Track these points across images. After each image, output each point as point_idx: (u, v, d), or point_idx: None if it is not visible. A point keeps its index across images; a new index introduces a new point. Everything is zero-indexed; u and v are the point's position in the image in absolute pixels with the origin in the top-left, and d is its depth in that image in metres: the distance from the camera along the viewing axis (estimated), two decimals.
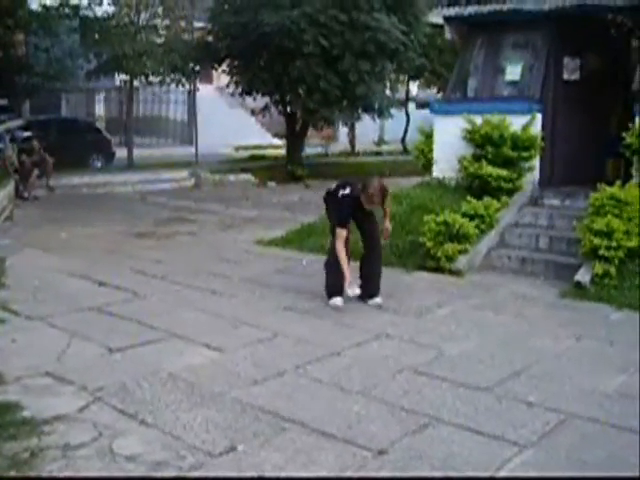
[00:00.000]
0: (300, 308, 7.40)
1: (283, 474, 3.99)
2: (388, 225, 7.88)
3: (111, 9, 22.66)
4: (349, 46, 19.01)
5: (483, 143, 10.44)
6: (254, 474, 3.98)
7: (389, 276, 8.35)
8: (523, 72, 10.81)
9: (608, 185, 8.81)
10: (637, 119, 9.55)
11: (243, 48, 20.32)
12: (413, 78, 30.25)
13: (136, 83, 23.58)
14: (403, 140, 29.90)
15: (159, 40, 22.60)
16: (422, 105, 29.53)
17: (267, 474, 3.98)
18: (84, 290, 8.03)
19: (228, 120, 32.95)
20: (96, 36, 21.87)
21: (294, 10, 18.60)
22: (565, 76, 10.77)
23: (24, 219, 13.26)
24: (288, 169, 21.28)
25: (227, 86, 23.47)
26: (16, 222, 12.99)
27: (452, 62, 18.54)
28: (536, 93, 10.62)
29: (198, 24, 24.19)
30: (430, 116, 12.17)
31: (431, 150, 11.62)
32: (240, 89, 22.33)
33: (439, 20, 11.81)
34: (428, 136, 11.91)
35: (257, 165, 23.36)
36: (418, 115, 26.81)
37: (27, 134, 19.00)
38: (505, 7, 10.68)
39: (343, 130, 32.73)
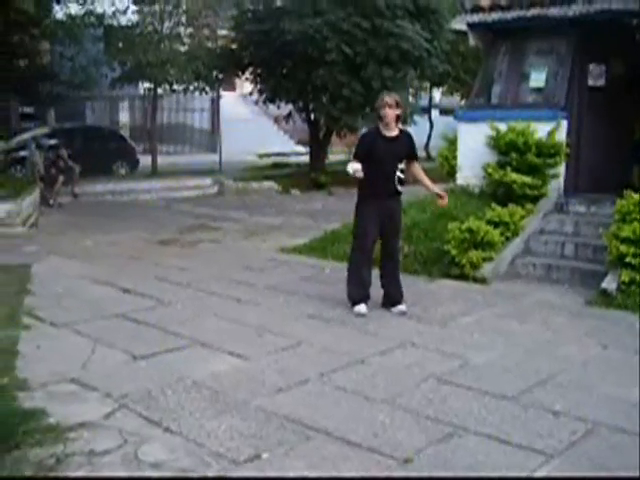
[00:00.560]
0: (324, 316, 7.38)
1: None
2: (438, 190, 7.82)
3: (135, 18, 22.87)
4: (372, 53, 19.03)
5: (507, 150, 10.38)
6: None
7: (413, 284, 8.33)
8: (547, 79, 10.75)
9: (634, 191, 8.73)
10: None
11: (266, 56, 20.43)
12: (436, 85, 30.24)
13: (160, 91, 23.69)
14: (426, 147, 29.84)
15: (183, 48, 22.70)
16: (445, 112, 29.53)
17: None
18: (108, 297, 8.06)
19: (251, 127, 33.09)
20: (120, 44, 22.02)
21: (317, 18, 18.63)
22: (590, 82, 10.70)
23: (49, 226, 13.35)
24: (311, 176, 21.28)
25: (250, 94, 23.58)
26: (41, 229, 13.09)
27: (475, 69, 18.56)
28: (561, 100, 10.56)
29: (222, 32, 24.35)
30: (453, 123, 12.14)
31: (455, 157, 11.58)
32: (264, 97, 22.43)
33: (462, 27, 11.75)
34: (452, 143, 11.89)
35: (280, 173, 23.39)
36: (441, 122, 26.77)
37: (53, 142, 19.14)
38: (529, 13, 10.61)
39: None
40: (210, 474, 4.06)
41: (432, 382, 5.53)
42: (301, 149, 30.89)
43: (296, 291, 8.42)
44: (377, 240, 7.61)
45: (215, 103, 28.92)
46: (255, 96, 23.52)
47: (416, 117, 23.59)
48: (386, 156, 7.32)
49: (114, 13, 22.20)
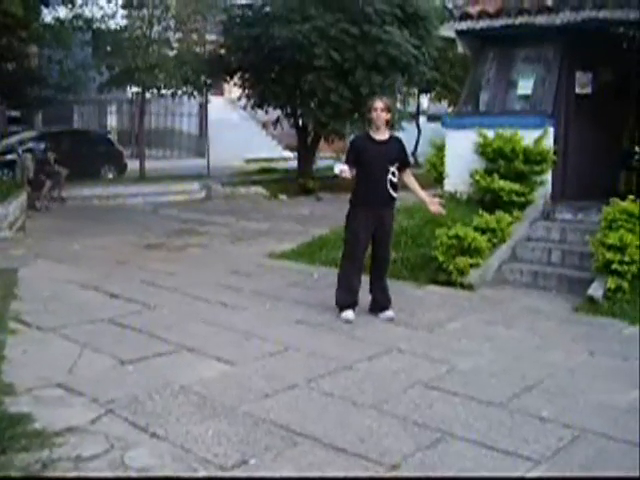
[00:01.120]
0: (311, 321, 7.37)
1: None
2: (429, 198, 7.92)
3: (124, 22, 22.86)
4: (360, 59, 19.07)
5: (495, 157, 10.42)
6: None
7: (400, 290, 8.34)
8: (535, 86, 10.78)
9: (621, 199, 8.78)
10: None
11: (255, 61, 20.45)
12: (424, 91, 30.26)
13: (148, 95, 23.67)
14: (414, 153, 29.87)
15: (171, 53, 22.67)
16: (433, 118, 29.55)
17: None
18: (95, 301, 8.03)
19: (239, 132, 33.06)
20: (108, 48, 22.02)
21: (305, 24, 18.66)
22: (577, 90, 10.74)
23: (36, 230, 13.28)
24: (299, 182, 21.28)
25: (239, 99, 23.57)
26: (28, 233, 13.02)
27: (463, 76, 18.60)
28: (548, 107, 10.60)
29: (210, 37, 24.34)
30: (441, 129, 12.17)
31: (443, 163, 11.61)
32: (252, 102, 22.44)
33: (451, 34, 11.80)
34: (440, 149, 11.91)
35: (268, 178, 23.39)
36: (429, 128, 26.83)
37: (43, 146, 19.11)
38: (517, 21, 10.65)
39: None
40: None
41: (419, 388, 5.53)
42: (289, 154, 30.89)
43: (284, 296, 8.41)
44: (368, 247, 7.62)
45: (203, 108, 28.90)
46: (243, 101, 23.54)
47: (404, 123, 23.59)
48: (376, 159, 7.33)
49: (103, 17, 22.20)
